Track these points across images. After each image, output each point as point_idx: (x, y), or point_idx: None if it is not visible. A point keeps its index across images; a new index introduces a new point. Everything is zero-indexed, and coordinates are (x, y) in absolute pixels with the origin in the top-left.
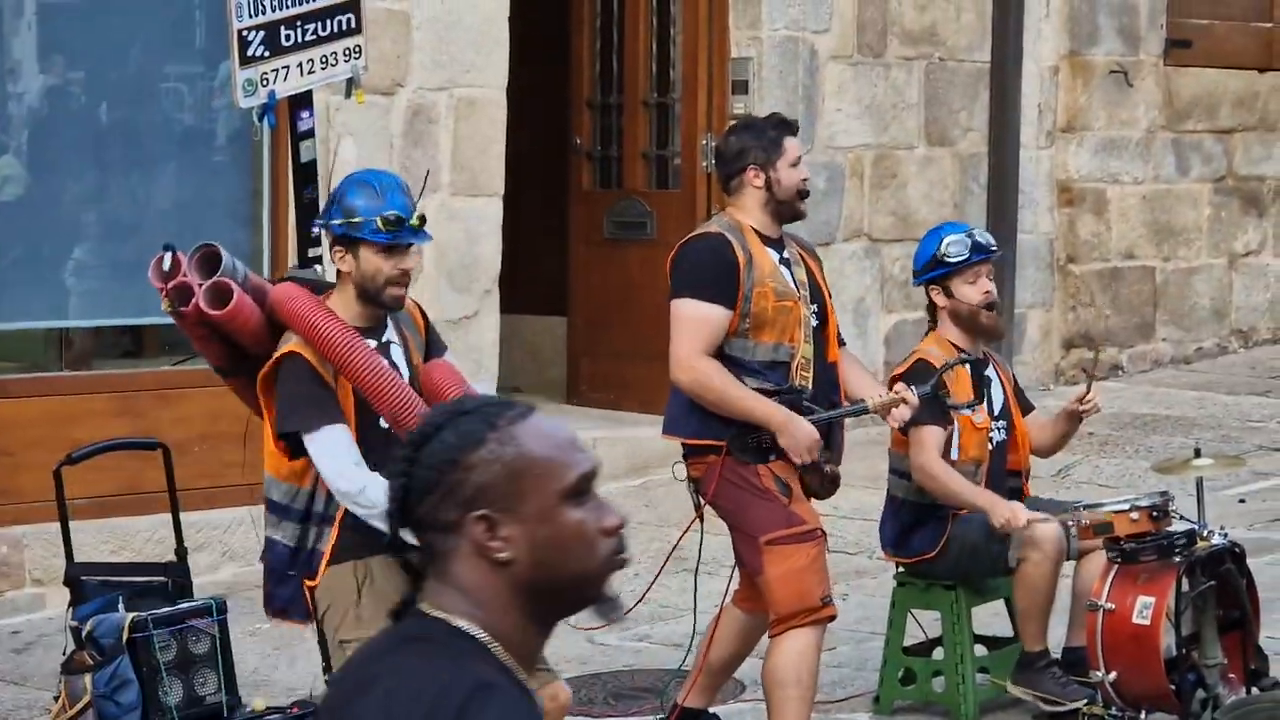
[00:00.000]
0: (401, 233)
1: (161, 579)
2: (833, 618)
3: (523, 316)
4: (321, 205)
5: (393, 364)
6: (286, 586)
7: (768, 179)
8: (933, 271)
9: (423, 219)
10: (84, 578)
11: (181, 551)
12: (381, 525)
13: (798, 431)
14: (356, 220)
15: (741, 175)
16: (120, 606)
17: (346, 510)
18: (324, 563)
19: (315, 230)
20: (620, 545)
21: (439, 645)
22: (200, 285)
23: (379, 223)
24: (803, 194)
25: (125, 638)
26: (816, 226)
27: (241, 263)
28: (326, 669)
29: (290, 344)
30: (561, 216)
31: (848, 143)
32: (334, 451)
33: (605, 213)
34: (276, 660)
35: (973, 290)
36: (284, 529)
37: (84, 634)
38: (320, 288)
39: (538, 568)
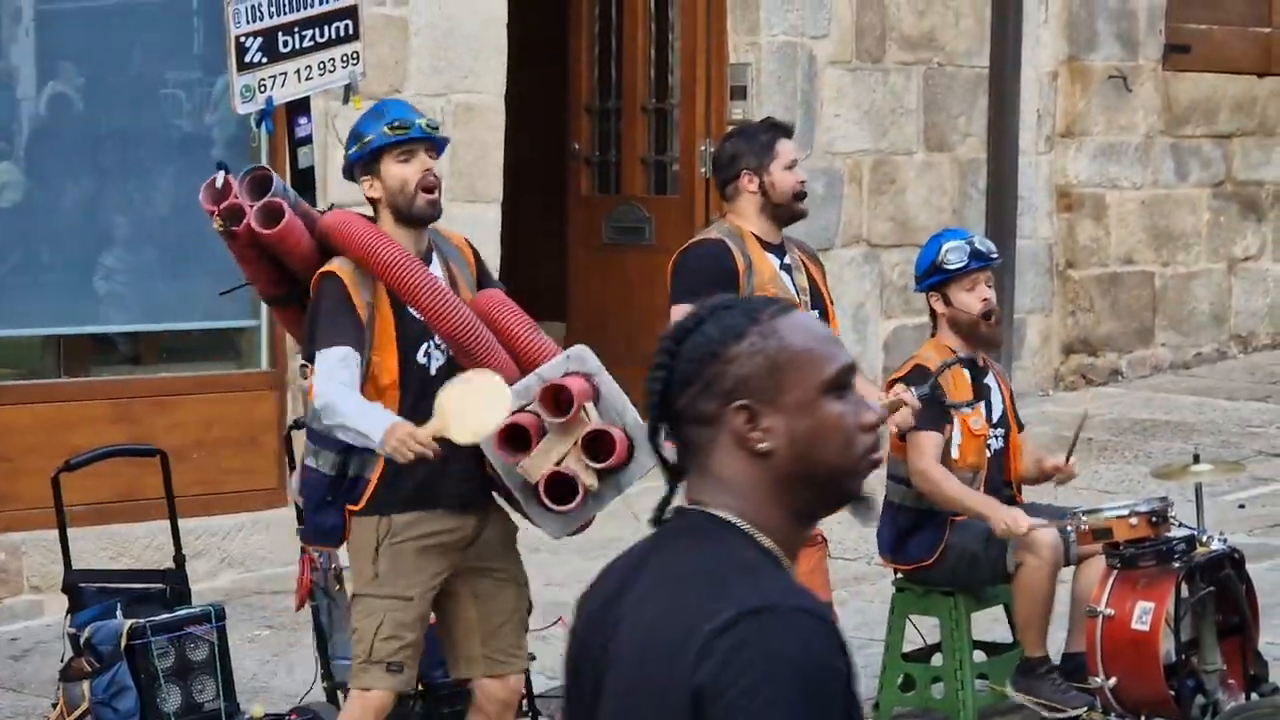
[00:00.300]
0: (412, 131)
1: (160, 586)
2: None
3: None
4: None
5: None
6: (327, 515)
7: (762, 183)
8: (932, 278)
9: (433, 124)
10: (82, 584)
11: (180, 558)
12: (342, 437)
13: None
14: (367, 139)
15: (736, 181)
16: (118, 613)
17: (386, 463)
18: (366, 495)
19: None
20: (876, 443)
21: (704, 532)
22: (252, 206)
23: (386, 129)
24: (799, 195)
25: (123, 644)
26: (815, 232)
27: (290, 187)
28: (325, 676)
29: (329, 265)
30: (560, 222)
31: (846, 148)
32: (323, 369)
33: (604, 218)
34: (275, 667)
35: (971, 298)
36: (323, 458)
37: (82, 641)
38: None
39: (797, 460)
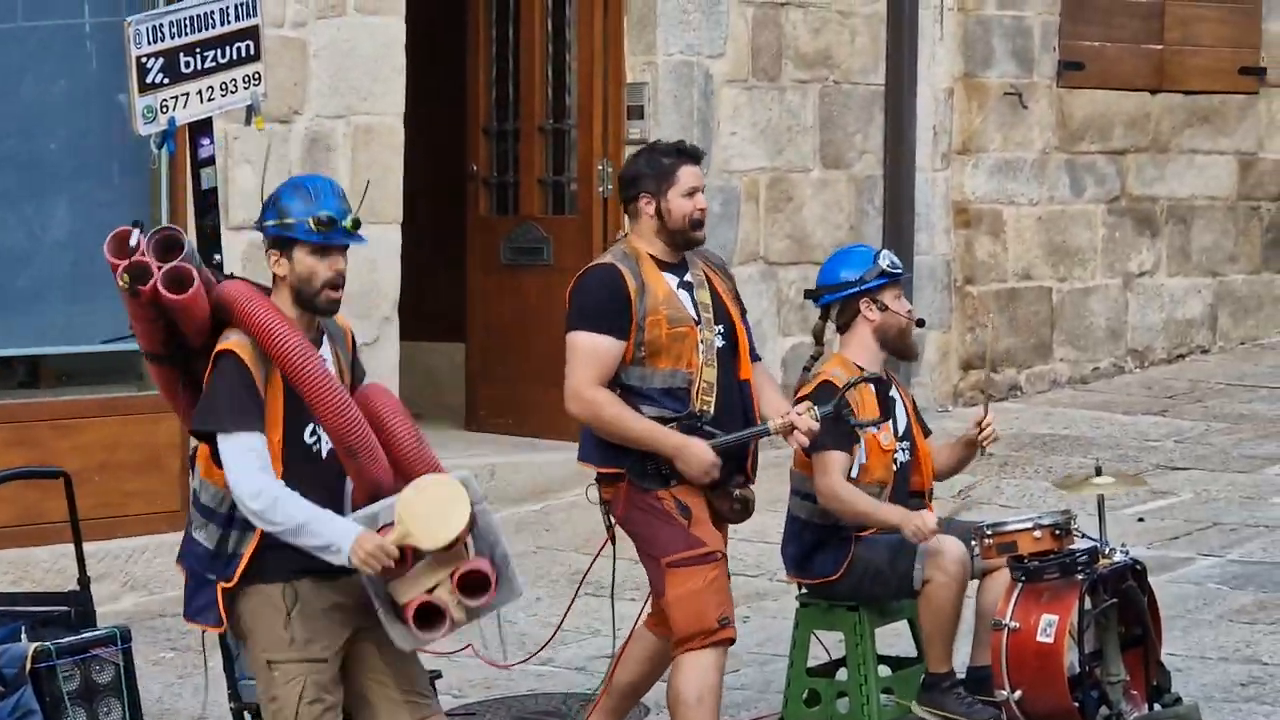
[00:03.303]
0: (333, 234)
1: (64, 608)
2: (731, 640)
3: (421, 343)
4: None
5: None
6: (205, 592)
7: (659, 207)
8: (875, 281)
9: (357, 223)
10: None
11: (84, 580)
12: (292, 541)
13: (691, 456)
14: (290, 221)
15: (636, 203)
16: (23, 636)
17: (262, 537)
18: (239, 571)
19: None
20: None
21: None
22: (159, 267)
23: (311, 223)
24: (695, 223)
25: (28, 668)
26: (713, 250)
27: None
28: (232, 697)
29: (227, 342)
30: (459, 243)
31: (743, 166)
32: (245, 460)
33: (502, 239)
34: (180, 689)
35: (900, 305)
36: (207, 531)
37: None
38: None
39: None
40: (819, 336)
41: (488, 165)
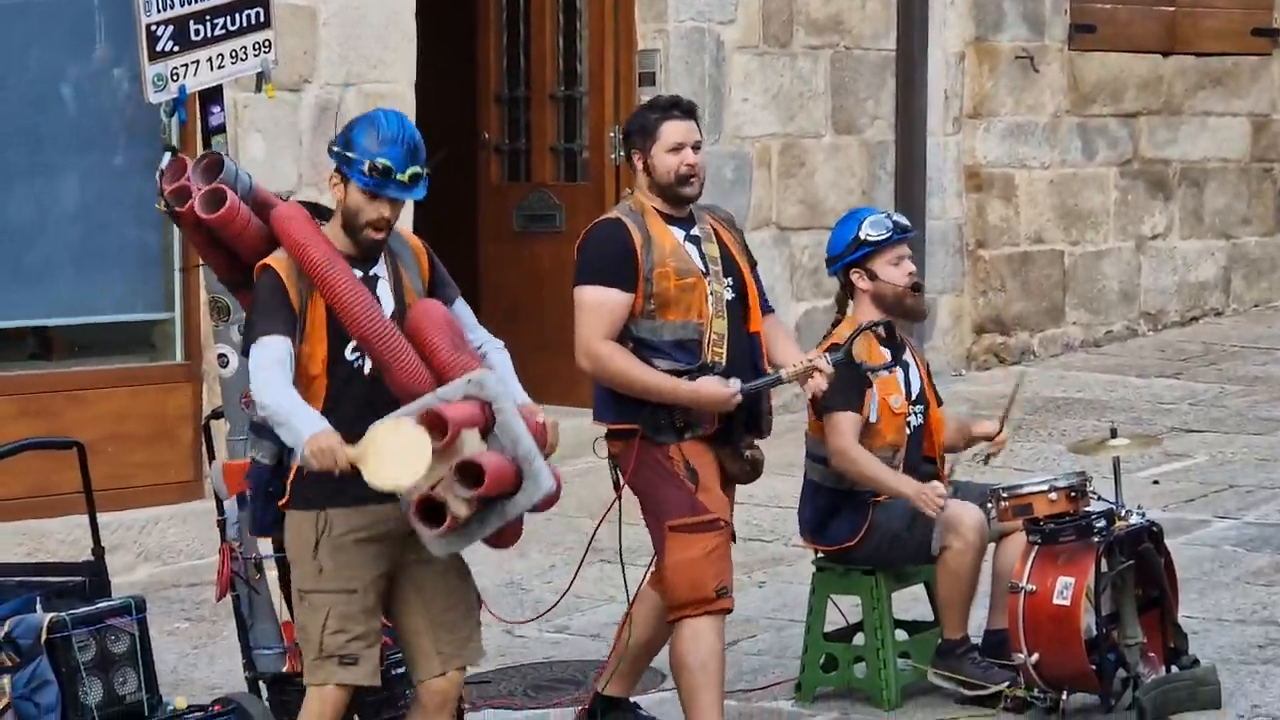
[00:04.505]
0: (386, 184)
1: (79, 579)
2: (728, 610)
3: None
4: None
5: (375, 297)
6: (271, 507)
7: (646, 163)
8: (855, 253)
9: (417, 176)
10: (1, 579)
11: (99, 550)
12: (283, 436)
13: (707, 393)
14: (350, 156)
15: (631, 159)
16: (38, 607)
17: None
18: (288, 487)
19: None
20: None
21: None
22: (200, 189)
23: (366, 168)
24: (681, 179)
25: (44, 638)
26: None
27: (247, 173)
28: (247, 666)
29: (270, 258)
30: (471, 211)
31: (755, 132)
32: (262, 358)
33: (514, 207)
34: (196, 659)
35: (897, 272)
36: (262, 448)
37: (1, 635)
38: (326, 216)
39: None
40: (840, 303)
41: (499, 132)
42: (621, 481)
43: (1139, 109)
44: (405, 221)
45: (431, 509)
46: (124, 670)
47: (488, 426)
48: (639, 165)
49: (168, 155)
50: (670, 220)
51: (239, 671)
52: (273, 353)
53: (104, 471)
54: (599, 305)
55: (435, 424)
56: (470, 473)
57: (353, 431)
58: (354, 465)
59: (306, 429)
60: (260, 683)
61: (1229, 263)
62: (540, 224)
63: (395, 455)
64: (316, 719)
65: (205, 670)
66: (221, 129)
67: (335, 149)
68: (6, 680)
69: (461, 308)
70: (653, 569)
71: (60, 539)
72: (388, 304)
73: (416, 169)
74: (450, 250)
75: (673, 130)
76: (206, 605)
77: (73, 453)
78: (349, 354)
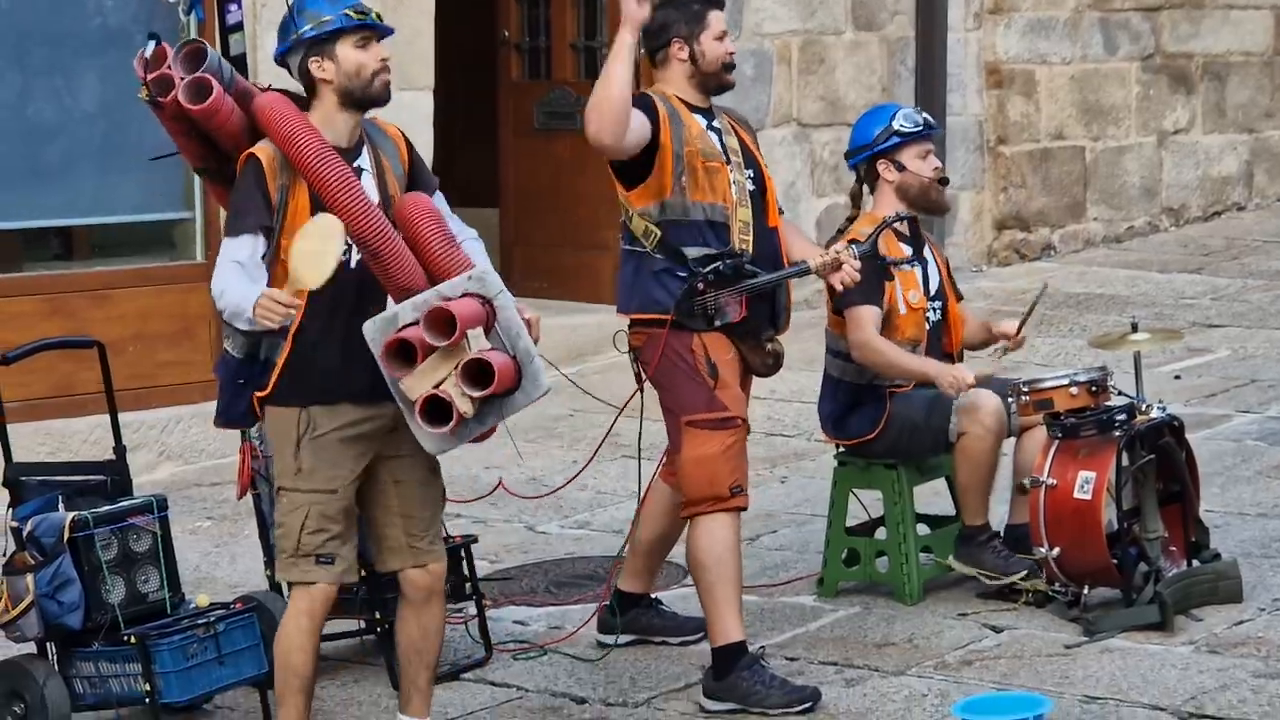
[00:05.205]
0: (369, 22)
1: (101, 478)
2: (743, 508)
3: (456, 209)
4: None
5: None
6: (241, 399)
7: (692, 51)
8: (885, 143)
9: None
10: (23, 478)
11: (120, 449)
12: (240, 326)
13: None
14: (326, 19)
15: (666, 49)
16: (60, 506)
17: (291, 352)
18: (274, 379)
19: (279, 52)
20: None
21: None
22: (182, 79)
23: (349, 12)
24: (728, 66)
25: (66, 537)
26: (746, 113)
27: (229, 64)
28: (268, 564)
29: (254, 148)
30: (491, 108)
31: (775, 29)
32: (221, 258)
33: (535, 104)
34: (218, 558)
35: (924, 165)
36: (234, 340)
37: (24, 534)
38: (304, 105)
39: None
40: (855, 198)
41: (519, 30)
42: (644, 375)
43: (1160, 3)
44: (426, 118)
45: (436, 408)
46: (146, 568)
47: (489, 324)
48: (680, 54)
49: (151, 43)
50: (693, 109)
51: (260, 570)
52: (232, 252)
53: (126, 371)
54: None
55: (442, 322)
56: (479, 371)
57: (344, 327)
58: (299, 292)
59: (247, 301)
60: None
61: (1251, 157)
62: (561, 121)
63: (314, 251)
64: (307, 617)
65: (227, 569)
66: (239, 26)
67: (307, 31)
68: (30, 579)
69: (440, 199)
70: (665, 462)
71: (83, 438)
72: (373, 196)
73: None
74: (471, 148)
75: (718, 18)
76: (228, 504)
77: (94, 352)
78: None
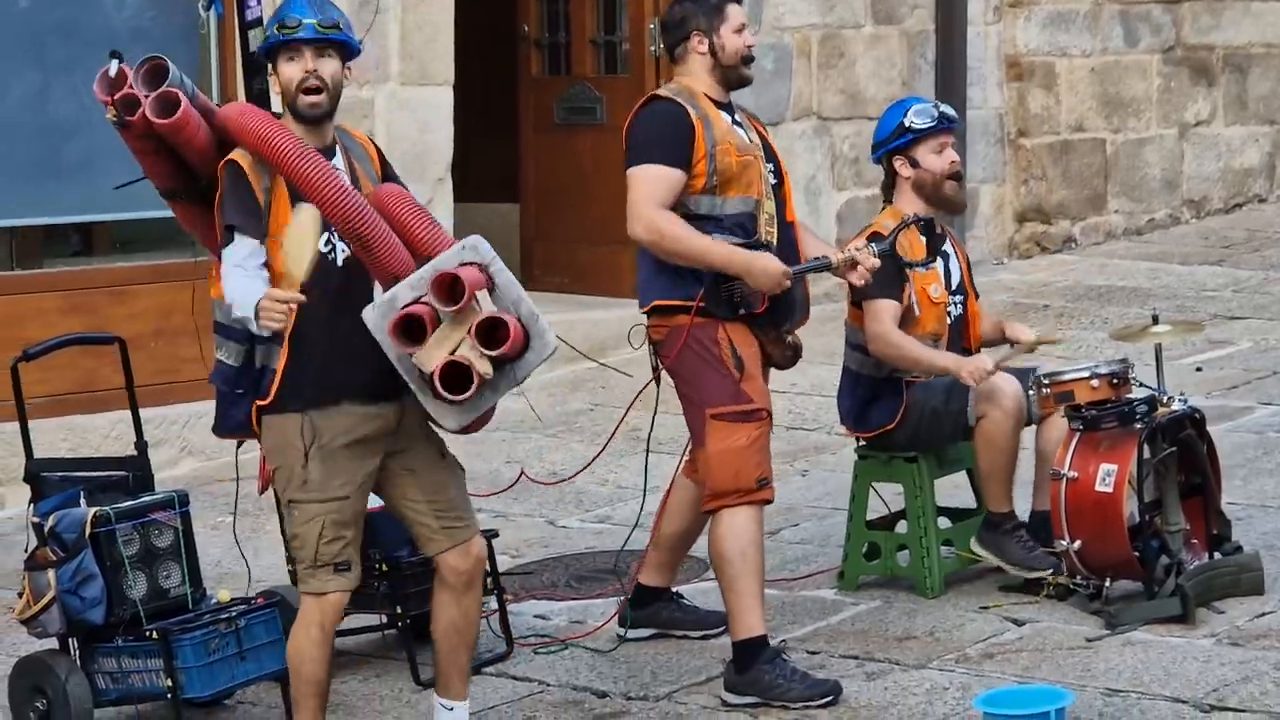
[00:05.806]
0: (299, 32)
1: (122, 473)
2: (768, 501)
3: (476, 205)
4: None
5: None
6: (239, 408)
7: (711, 45)
8: (899, 140)
9: (329, 26)
10: (44, 473)
11: (141, 445)
12: (250, 327)
13: (762, 269)
14: (264, 36)
15: (686, 42)
16: (82, 501)
17: (289, 356)
18: (274, 387)
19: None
20: None
21: None
22: (147, 96)
23: (275, 29)
24: (747, 59)
25: (88, 532)
26: (766, 106)
27: (189, 79)
28: (289, 560)
29: (231, 155)
30: (508, 104)
31: (795, 23)
32: (229, 259)
33: (555, 99)
34: (239, 553)
35: (939, 160)
36: (228, 349)
37: (46, 530)
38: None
39: None
40: (886, 191)
41: (538, 26)
42: (660, 367)
43: None
44: (446, 114)
45: (454, 376)
46: (167, 564)
47: (489, 288)
48: (700, 47)
49: (114, 63)
50: (717, 105)
51: (282, 565)
52: (232, 258)
53: (147, 367)
54: (658, 179)
55: (449, 287)
56: (492, 329)
57: (339, 325)
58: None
59: (250, 303)
60: None
61: (1273, 149)
62: (581, 117)
63: (299, 241)
64: (318, 628)
65: (249, 564)
66: (259, 22)
67: (257, 52)
68: (51, 574)
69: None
70: (687, 457)
71: (104, 434)
72: None
73: (329, 21)
74: (491, 143)
75: (737, 12)
76: (249, 500)
77: (115, 348)
78: (322, 247)
